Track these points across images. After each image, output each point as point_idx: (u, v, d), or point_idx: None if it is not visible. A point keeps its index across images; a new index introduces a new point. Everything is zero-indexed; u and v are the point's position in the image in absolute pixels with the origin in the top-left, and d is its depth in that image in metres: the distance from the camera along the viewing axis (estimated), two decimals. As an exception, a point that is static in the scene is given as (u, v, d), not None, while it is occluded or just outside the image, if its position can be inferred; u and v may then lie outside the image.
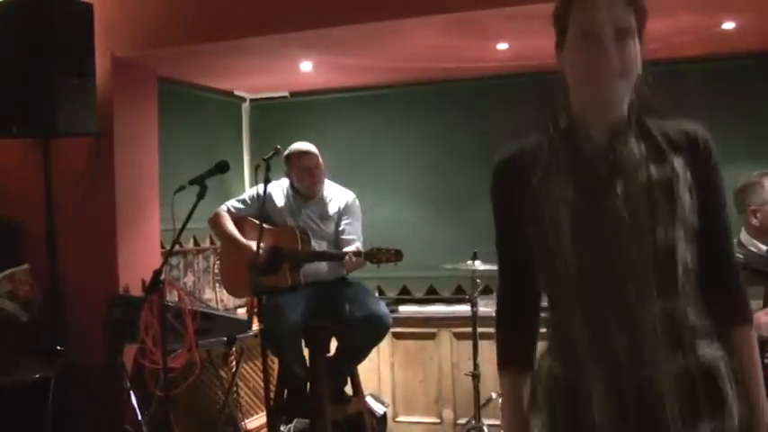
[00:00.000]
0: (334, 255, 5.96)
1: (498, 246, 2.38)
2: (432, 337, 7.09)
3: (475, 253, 5.85)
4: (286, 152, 6.10)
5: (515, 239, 2.26)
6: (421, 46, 6.16)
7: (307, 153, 6.12)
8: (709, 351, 2.12)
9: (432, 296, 7.48)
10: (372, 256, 5.73)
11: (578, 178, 2.15)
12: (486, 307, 5.84)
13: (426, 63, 6.64)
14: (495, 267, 5.92)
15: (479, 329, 5.83)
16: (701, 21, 5.64)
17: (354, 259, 5.79)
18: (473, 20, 5.50)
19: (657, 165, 2.12)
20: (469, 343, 5.92)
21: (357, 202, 6.25)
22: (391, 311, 6.45)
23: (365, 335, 5.91)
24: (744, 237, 4.42)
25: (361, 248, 5.89)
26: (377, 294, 7.14)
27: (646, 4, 2.18)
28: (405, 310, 7.28)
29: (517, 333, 2.36)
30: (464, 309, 6.12)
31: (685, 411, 2.05)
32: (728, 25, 5.76)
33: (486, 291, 6.33)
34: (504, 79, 7.20)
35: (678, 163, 2.13)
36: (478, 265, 5.81)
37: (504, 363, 2.37)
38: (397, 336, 7.01)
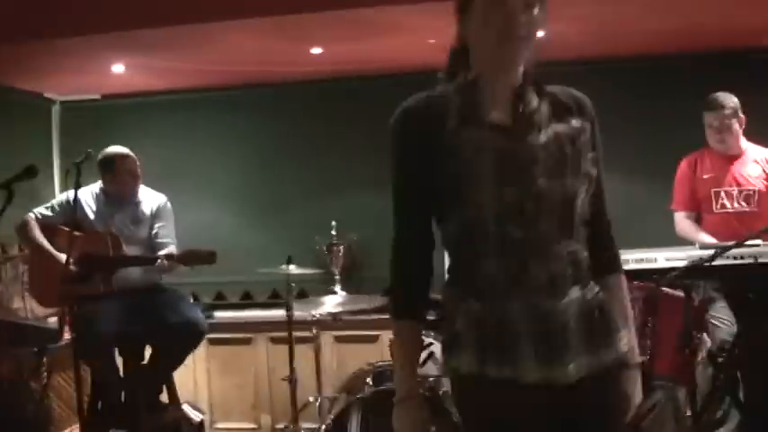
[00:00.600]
0: (147, 259, 5.86)
1: (399, 193, 2.47)
2: (248, 342, 7.07)
3: (290, 257, 5.84)
4: (103, 155, 5.98)
5: (420, 186, 2.38)
6: (235, 49, 6.14)
7: (129, 156, 6.04)
8: (597, 289, 2.39)
9: (247, 301, 7.43)
10: (185, 258, 5.67)
11: (493, 126, 2.31)
12: (302, 311, 5.84)
13: (241, 66, 6.62)
14: (309, 271, 5.98)
15: (295, 334, 5.82)
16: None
17: (167, 263, 5.71)
18: (287, 24, 5.52)
19: (560, 121, 2.35)
20: (285, 347, 5.91)
21: (169, 204, 6.17)
22: (206, 317, 6.41)
23: (180, 341, 5.85)
24: None
25: (175, 252, 5.82)
26: (191, 300, 7.05)
27: None
28: (220, 315, 7.23)
29: (413, 284, 2.48)
30: (279, 313, 6.10)
31: (588, 337, 2.32)
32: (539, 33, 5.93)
33: (302, 295, 6.34)
34: (319, 84, 7.24)
35: (576, 122, 2.37)
36: (293, 269, 5.81)
37: (399, 312, 2.47)
38: (212, 342, 6.93)
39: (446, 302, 2.42)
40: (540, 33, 2.34)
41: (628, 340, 2.44)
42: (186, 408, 6.47)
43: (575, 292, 2.31)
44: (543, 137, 2.30)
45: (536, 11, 2.29)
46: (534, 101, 2.36)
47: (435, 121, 2.33)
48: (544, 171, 2.26)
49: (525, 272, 2.25)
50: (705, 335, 5.04)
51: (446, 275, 2.46)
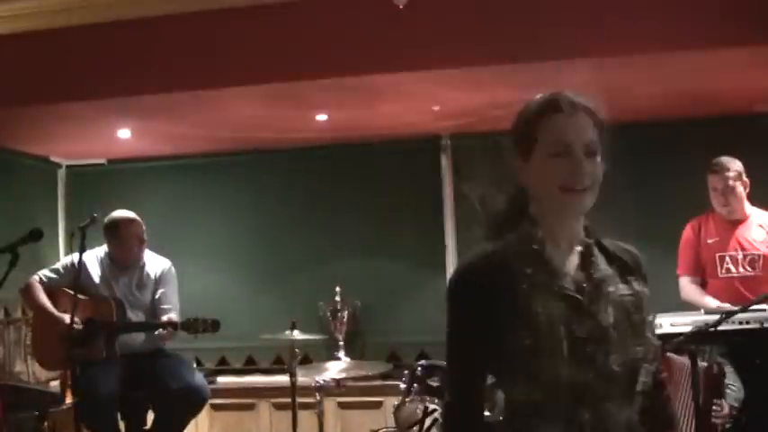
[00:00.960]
0: (150, 325, 5.85)
1: (457, 356, 2.34)
2: (251, 408, 7.03)
3: (293, 323, 5.82)
4: (109, 220, 5.99)
5: (481, 351, 2.26)
6: (240, 115, 6.19)
7: (136, 221, 6.05)
8: None
9: (250, 367, 7.39)
10: (189, 326, 5.67)
11: (564, 294, 2.21)
12: (305, 377, 5.81)
13: (246, 133, 6.67)
14: (312, 337, 5.96)
15: (298, 400, 5.78)
16: (516, 97, 5.84)
17: (170, 330, 5.70)
18: (291, 90, 5.57)
19: (624, 286, 2.28)
20: (289, 413, 5.86)
21: (173, 270, 6.17)
22: (209, 383, 6.37)
23: (182, 407, 5.81)
24: None
25: (177, 318, 5.81)
26: (195, 365, 7.02)
27: (605, 124, 2.31)
28: (223, 380, 7.20)
29: None
30: (283, 379, 6.07)
31: None
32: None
33: (305, 360, 6.31)
34: (324, 149, 7.29)
35: (637, 284, 2.31)
36: (297, 335, 5.79)
37: None
38: (215, 407, 6.89)
39: None
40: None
41: None
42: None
43: None
44: (612, 308, 2.23)
45: (598, 158, 2.26)
46: (601, 263, 2.30)
47: (501, 281, 2.22)
48: (615, 347, 2.19)
49: None
50: (724, 401, 5.00)
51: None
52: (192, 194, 7.54)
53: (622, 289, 2.27)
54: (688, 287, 5.74)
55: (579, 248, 2.30)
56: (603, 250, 2.33)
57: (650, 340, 2.26)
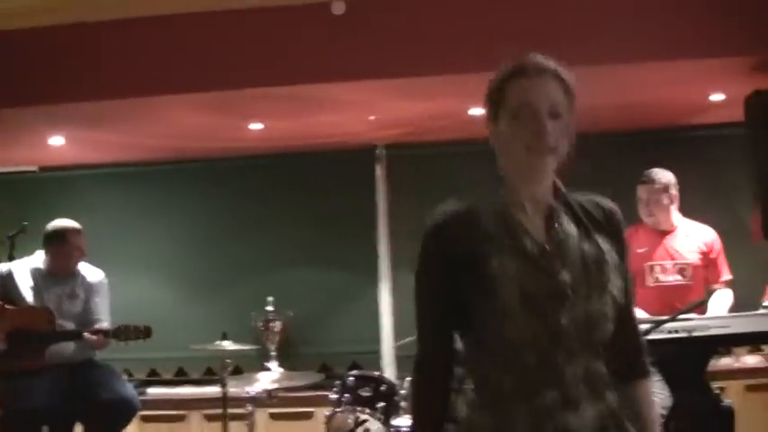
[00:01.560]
0: (78, 333, 5.76)
1: (425, 310, 2.45)
2: (181, 419, 6.98)
3: (225, 333, 5.80)
4: (53, 229, 5.91)
5: (447, 304, 2.37)
6: (175, 124, 6.15)
7: (80, 231, 6.00)
8: (614, 399, 2.36)
9: (181, 377, 7.34)
10: (120, 333, 5.62)
11: (523, 250, 2.31)
12: (237, 388, 5.78)
13: (180, 141, 6.63)
14: (244, 347, 5.93)
15: (229, 411, 5.75)
16: (453, 107, 5.89)
17: (101, 338, 5.64)
18: (227, 99, 5.55)
19: (588, 244, 2.35)
20: (220, 424, 5.83)
21: (106, 281, 6.10)
22: (139, 394, 6.31)
23: (112, 419, 5.74)
24: None
25: (109, 327, 5.75)
26: (125, 376, 6.94)
27: (574, 89, 2.39)
28: (153, 392, 7.13)
29: (440, 393, 2.44)
30: (214, 390, 6.04)
31: None
32: (475, 111, 6.04)
33: (237, 371, 6.28)
34: (259, 159, 7.27)
35: (603, 241, 2.37)
36: (228, 345, 5.76)
37: (425, 424, 2.47)
38: (145, 419, 6.82)
39: (458, 409, 2.41)
40: (566, 144, 2.38)
41: None
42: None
43: (589, 410, 2.30)
44: (572, 266, 2.31)
45: (564, 120, 2.34)
46: (565, 222, 2.37)
47: (466, 240, 2.33)
48: (570, 304, 2.27)
49: (539, 394, 2.27)
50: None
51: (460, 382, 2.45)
52: (124, 203, 7.47)
53: (586, 248, 2.34)
54: (618, 297, 5.81)
55: (544, 208, 2.38)
56: (571, 209, 2.40)
57: (615, 296, 2.32)
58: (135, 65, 5.38)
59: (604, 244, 2.37)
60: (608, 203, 2.49)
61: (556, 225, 2.36)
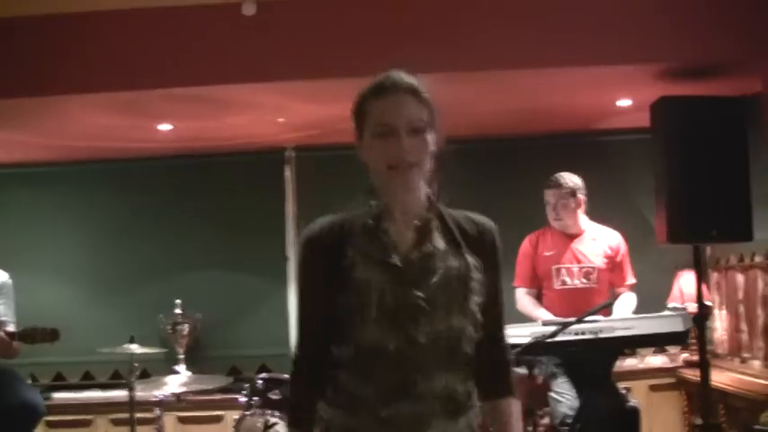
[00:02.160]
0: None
1: (301, 316, 2.57)
2: (88, 424, 6.90)
3: (132, 336, 5.72)
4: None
5: (319, 314, 2.44)
6: (82, 124, 6.05)
7: None
8: (468, 423, 2.43)
9: (87, 381, 7.23)
10: (26, 336, 5.49)
11: (387, 264, 2.37)
12: (144, 392, 5.71)
13: (86, 141, 6.53)
14: (151, 351, 5.88)
15: (137, 415, 5.68)
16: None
17: (5, 340, 5.51)
18: (134, 99, 5.48)
19: (455, 258, 2.40)
20: (127, 429, 5.76)
21: (10, 281, 5.97)
22: (45, 399, 6.18)
23: (16, 425, 5.62)
24: None
25: (15, 330, 5.62)
26: (29, 381, 6.81)
27: (434, 105, 2.45)
28: (59, 396, 7.00)
29: (312, 394, 2.51)
30: (121, 394, 5.96)
31: None
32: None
33: (144, 375, 6.21)
34: (167, 160, 7.21)
35: (471, 258, 2.42)
36: (136, 348, 5.69)
37: (298, 422, 2.56)
38: (50, 424, 6.75)
39: (321, 409, 2.49)
40: (429, 158, 2.42)
41: None
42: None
43: (444, 426, 2.36)
44: (434, 280, 2.36)
45: (424, 137, 2.39)
46: (435, 236, 2.42)
47: (336, 251, 2.40)
48: (429, 318, 2.33)
49: (390, 406, 2.34)
50: (546, 410, 5.14)
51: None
52: (31, 204, 7.33)
53: (452, 263, 2.40)
54: (523, 299, 5.87)
55: (416, 222, 2.43)
56: (444, 223, 2.46)
57: (474, 313, 2.38)
58: (40, 64, 5.27)
59: (473, 261, 2.42)
60: (483, 221, 2.55)
61: (426, 239, 2.41)
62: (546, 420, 5.22)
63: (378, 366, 2.34)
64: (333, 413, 2.45)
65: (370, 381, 2.36)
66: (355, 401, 2.38)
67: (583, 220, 5.86)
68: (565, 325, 4.63)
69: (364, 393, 2.36)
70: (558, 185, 5.78)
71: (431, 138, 2.40)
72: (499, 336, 2.55)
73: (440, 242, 2.41)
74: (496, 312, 2.51)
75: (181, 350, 6.83)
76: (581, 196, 5.80)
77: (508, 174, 7.08)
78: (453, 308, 2.36)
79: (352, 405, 2.40)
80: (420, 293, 2.34)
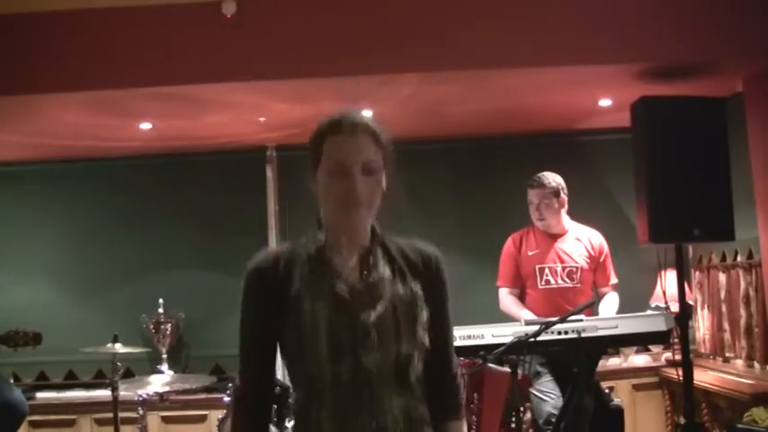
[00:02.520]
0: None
1: (243, 341, 2.56)
2: (71, 424, 6.86)
3: (115, 336, 5.71)
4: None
5: (260, 341, 2.51)
6: (61, 123, 6.02)
7: None
8: None
9: (71, 381, 7.20)
10: (9, 339, 5.47)
11: (333, 292, 2.42)
12: (128, 391, 5.69)
13: (68, 141, 6.51)
14: (135, 350, 5.87)
15: (121, 414, 5.67)
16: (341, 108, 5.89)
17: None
18: (114, 98, 5.46)
19: (401, 287, 2.47)
20: (111, 429, 5.74)
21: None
22: (28, 398, 6.14)
23: (-2, 424, 5.61)
24: None
25: (-3, 333, 5.62)
26: (12, 381, 6.78)
27: (389, 146, 2.49)
28: (42, 396, 6.98)
29: (257, 427, 2.59)
30: (105, 393, 5.94)
31: None
32: (366, 113, 6.05)
33: (128, 374, 6.19)
34: (148, 159, 7.19)
35: (416, 286, 2.49)
36: (119, 347, 5.67)
37: None
38: (34, 424, 6.73)
39: None
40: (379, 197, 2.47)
41: None
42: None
43: None
44: (381, 308, 2.41)
45: (377, 177, 2.44)
46: (380, 265, 2.48)
47: (281, 283, 2.45)
48: (375, 345, 2.38)
49: (351, 427, 2.39)
50: (528, 406, 5.16)
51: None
52: (9, 204, 7.29)
53: (398, 290, 2.46)
54: (506, 299, 5.88)
55: (360, 252, 2.49)
56: (388, 252, 2.52)
57: (421, 338, 2.43)
58: (18, 62, 5.23)
59: (418, 288, 2.48)
60: (428, 249, 2.60)
61: (370, 268, 2.47)
62: (528, 416, 5.23)
63: (335, 395, 2.39)
64: None
65: (330, 409, 2.39)
66: (312, 426, 2.42)
67: (566, 219, 5.87)
68: (548, 325, 4.64)
69: (327, 423, 2.40)
70: (542, 185, 5.78)
71: (383, 177, 2.45)
72: (448, 360, 2.62)
73: (385, 271, 2.48)
74: (445, 337, 2.59)
75: (164, 349, 6.82)
76: (564, 196, 5.81)
77: (489, 173, 7.09)
78: (401, 334, 2.41)
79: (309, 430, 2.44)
80: (368, 322, 2.39)
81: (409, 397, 2.45)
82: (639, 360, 7.09)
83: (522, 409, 4.56)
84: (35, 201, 7.28)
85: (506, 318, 5.67)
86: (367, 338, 2.38)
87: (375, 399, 2.38)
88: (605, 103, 6.31)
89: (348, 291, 2.42)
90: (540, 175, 5.83)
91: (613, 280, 5.87)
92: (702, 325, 6.80)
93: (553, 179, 5.80)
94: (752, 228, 5.67)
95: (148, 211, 7.17)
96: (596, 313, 5.61)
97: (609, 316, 5.44)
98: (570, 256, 5.79)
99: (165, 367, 6.64)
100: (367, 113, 2.56)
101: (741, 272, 6.19)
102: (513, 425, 4.44)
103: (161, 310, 6.86)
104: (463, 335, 4.77)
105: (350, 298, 2.41)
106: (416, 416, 2.46)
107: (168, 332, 6.83)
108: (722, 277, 6.47)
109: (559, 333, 4.82)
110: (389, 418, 2.40)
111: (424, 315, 2.45)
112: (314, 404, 2.42)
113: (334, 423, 2.39)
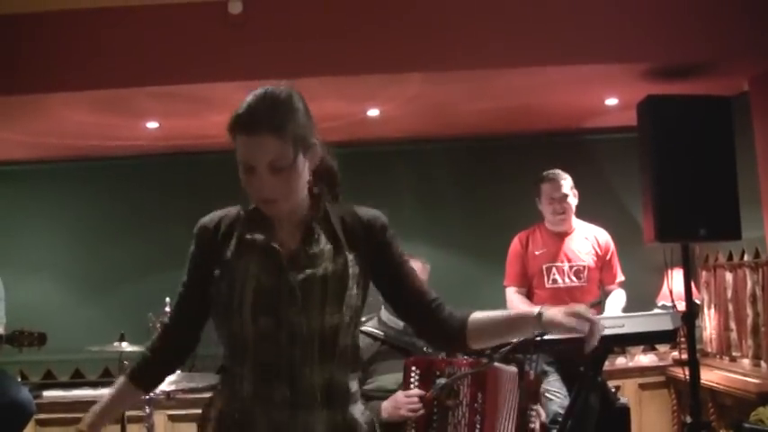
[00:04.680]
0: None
1: (182, 291, 2.67)
2: (78, 422, 6.81)
3: (122, 334, 5.72)
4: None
5: (196, 294, 2.60)
6: (67, 122, 6.03)
7: None
8: (356, 412, 2.53)
9: (78, 380, 7.20)
10: (14, 339, 5.49)
11: (266, 257, 2.46)
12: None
13: (74, 140, 6.51)
14: (142, 349, 5.84)
15: (127, 413, 5.67)
16: (347, 109, 5.90)
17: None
18: (120, 97, 5.47)
19: (335, 259, 2.47)
20: (118, 428, 5.75)
21: (0, 282, 5.96)
22: (35, 397, 6.17)
23: (6, 424, 5.61)
24: (383, 314, 4.62)
25: (2, 332, 5.61)
26: (19, 379, 6.80)
27: (302, 122, 2.47)
28: (49, 395, 6.96)
29: (156, 355, 2.72)
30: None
31: None
32: (373, 112, 6.07)
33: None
34: (155, 158, 7.19)
35: (351, 256, 2.49)
36: (126, 346, 5.68)
37: (132, 372, 2.72)
38: (41, 423, 6.70)
39: (214, 396, 2.63)
40: (300, 183, 2.47)
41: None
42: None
43: (322, 413, 2.44)
44: (310, 273, 2.44)
45: (289, 171, 2.41)
46: (317, 238, 2.50)
47: (220, 243, 2.54)
48: (301, 311, 2.40)
49: (271, 391, 2.42)
50: (539, 407, 5.14)
51: None
52: (16, 203, 7.30)
53: (332, 261, 2.47)
54: (514, 297, 5.87)
55: (299, 223, 2.51)
56: (327, 223, 2.53)
57: (347, 311, 2.45)
58: (23, 61, 5.25)
59: (353, 262, 2.49)
60: (368, 214, 2.59)
61: (309, 240, 2.49)
62: (542, 417, 5.22)
63: (253, 354, 2.42)
64: (219, 396, 2.58)
65: (248, 364, 2.44)
66: (241, 389, 2.46)
67: (573, 218, 5.86)
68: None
69: (247, 381, 2.44)
70: (562, 178, 5.75)
71: (298, 166, 2.43)
72: (429, 294, 2.62)
73: (322, 242, 2.49)
74: (416, 281, 2.61)
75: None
76: (576, 191, 5.80)
77: (494, 173, 7.09)
78: (327, 305, 2.42)
79: (237, 393, 2.47)
80: (294, 283, 2.41)
81: (332, 367, 2.45)
82: (646, 359, 7.06)
83: (534, 409, 4.53)
84: (41, 200, 7.29)
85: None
86: (292, 299, 2.40)
87: (295, 364, 2.40)
88: (611, 102, 6.31)
89: (281, 255, 2.45)
90: (553, 171, 5.80)
91: (620, 277, 5.86)
92: (709, 324, 6.79)
93: (566, 174, 5.78)
94: (758, 227, 5.67)
95: (154, 209, 7.17)
96: (603, 312, 5.60)
97: (615, 315, 5.43)
98: (577, 255, 5.78)
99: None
100: (282, 90, 2.55)
101: (748, 271, 6.18)
102: (533, 426, 4.41)
103: (168, 309, 6.85)
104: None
105: (282, 261, 2.44)
106: (337, 387, 2.47)
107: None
108: (729, 276, 6.46)
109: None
110: (307, 387, 2.41)
111: (356, 286, 2.48)
112: (237, 361, 2.47)
113: (253, 382, 2.43)
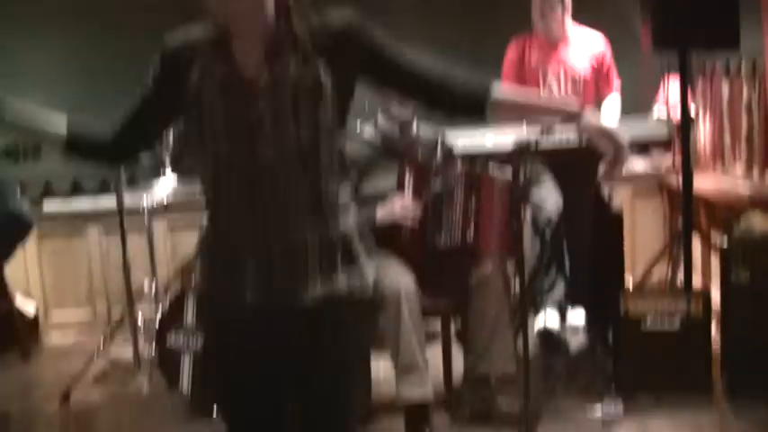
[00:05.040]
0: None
1: (137, 97, 2.57)
2: (79, 233, 6.96)
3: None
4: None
5: (146, 104, 2.55)
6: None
7: None
8: (347, 223, 2.54)
9: (76, 192, 7.19)
10: (10, 152, 5.45)
11: (232, 78, 2.41)
12: (133, 199, 5.71)
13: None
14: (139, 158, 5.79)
15: (127, 222, 5.72)
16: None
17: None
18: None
19: (305, 73, 2.38)
20: (118, 237, 5.80)
21: None
22: (35, 206, 6.22)
23: (4, 235, 5.65)
24: (380, 120, 4.65)
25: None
26: (18, 192, 6.79)
27: None
28: (49, 207, 7.03)
29: (99, 128, 2.67)
30: (111, 202, 5.97)
31: (323, 265, 2.47)
32: None
33: (132, 181, 6.23)
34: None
35: (323, 67, 2.39)
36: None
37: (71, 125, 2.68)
38: (42, 235, 6.82)
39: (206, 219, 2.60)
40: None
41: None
42: (19, 300, 6.39)
43: (311, 227, 2.45)
44: (280, 93, 2.38)
45: None
46: (288, 54, 2.40)
47: (185, 65, 2.44)
48: (272, 128, 2.38)
49: (256, 209, 2.43)
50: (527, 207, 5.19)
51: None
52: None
53: (301, 76, 2.38)
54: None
55: (264, 39, 2.40)
56: (295, 37, 2.41)
57: (327, 121, 2.40)
58: None
59: (324, 72, 2.39)
60: (339, 20, 2.46)
61: (275, 57, 2.40)
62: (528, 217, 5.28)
63: (235, 183, 2.43)
64: (209, 225, 2.56)
65: (231, 196, 2.45)
66: (221, 205, 2.49)
67: (569, 25, 5.79)
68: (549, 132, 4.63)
69: (229, 199, 2.45)
70: None
71: None
72: (436, 66, 2.54)
73: (290, 57, 2.40)
74: (402, 56, 2.51)
75: (167, 153, 6.72)
76: (568, 0, 5.72)
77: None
78: (300, 120, 2.38)
79: (219, 211, 2.50)
80: (263, 106, 2.38)
81: (319, 181, 2.43)
82: (639, 167, 7.05)
83: (523, 206, 4.57)
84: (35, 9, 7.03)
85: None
86: (261, 124, 2.38)
87: (278, 185, 2.40)
88: None
89: (248, 78, 2.40)
90: None
91: (615, 83, 5.85)
92: (703, 133, 6.80)
93: None
94: (757, 39, 5.61)
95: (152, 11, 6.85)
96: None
97: (611, 122, 5.45)
98: (573, 66, 5.76)
99: (168, 170, 6.54)
100: None
101: (745, 81, 6.15)
102: (516, 225, 4.46)
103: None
104: (464, 141, 4.78)
105: (248, 86, 2.39)
106: (327, 201, 2.47)
107: (171, 140, 6.74)
108: (725, 87, 6.43)
109: (561, 141, 4.83)
110: (294, 204, 2.42)
111: (329, 97, 2.39)
112: (219, 194, 2.47)
113: (237, 211, 2.44)
